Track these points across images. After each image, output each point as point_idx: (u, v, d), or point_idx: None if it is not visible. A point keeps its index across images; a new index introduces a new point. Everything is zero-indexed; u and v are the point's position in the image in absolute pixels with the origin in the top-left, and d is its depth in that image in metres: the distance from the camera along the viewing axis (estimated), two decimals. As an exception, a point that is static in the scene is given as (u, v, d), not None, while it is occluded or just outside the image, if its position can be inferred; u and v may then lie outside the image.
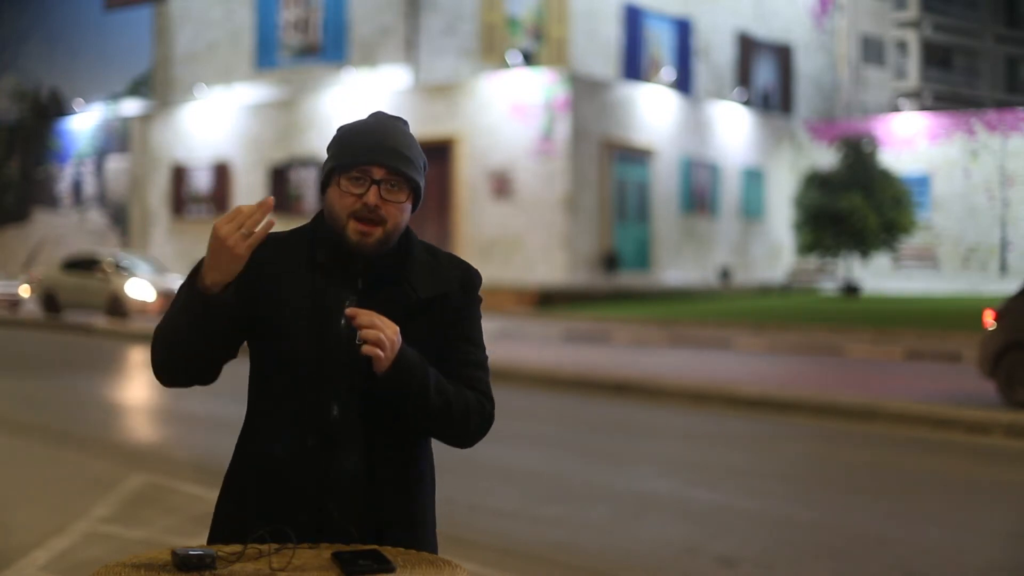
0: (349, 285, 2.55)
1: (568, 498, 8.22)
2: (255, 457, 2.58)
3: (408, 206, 2.57)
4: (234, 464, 2.65)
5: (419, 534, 2.62)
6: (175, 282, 25.18)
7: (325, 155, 2.65)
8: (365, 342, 2.43)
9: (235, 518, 2.59)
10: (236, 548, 2.31)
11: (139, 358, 18.30)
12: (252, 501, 2.57)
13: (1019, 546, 7.15)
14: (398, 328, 2.45)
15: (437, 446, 2.75)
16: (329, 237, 2.56)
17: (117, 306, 25.42)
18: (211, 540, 2.62)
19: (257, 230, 2.40)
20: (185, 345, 2.49)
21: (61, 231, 41.34)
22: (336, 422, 2.52)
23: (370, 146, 2.53)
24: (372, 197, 2.50)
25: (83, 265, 26.97)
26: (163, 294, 24.96)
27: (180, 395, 13.17)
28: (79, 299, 26.42)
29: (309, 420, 2.52)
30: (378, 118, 2.62)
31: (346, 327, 2.51)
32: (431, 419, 2.54)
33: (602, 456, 10.13)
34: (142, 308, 25.14)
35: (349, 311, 2.46)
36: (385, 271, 2.57)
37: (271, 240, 2.58)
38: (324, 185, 2.59)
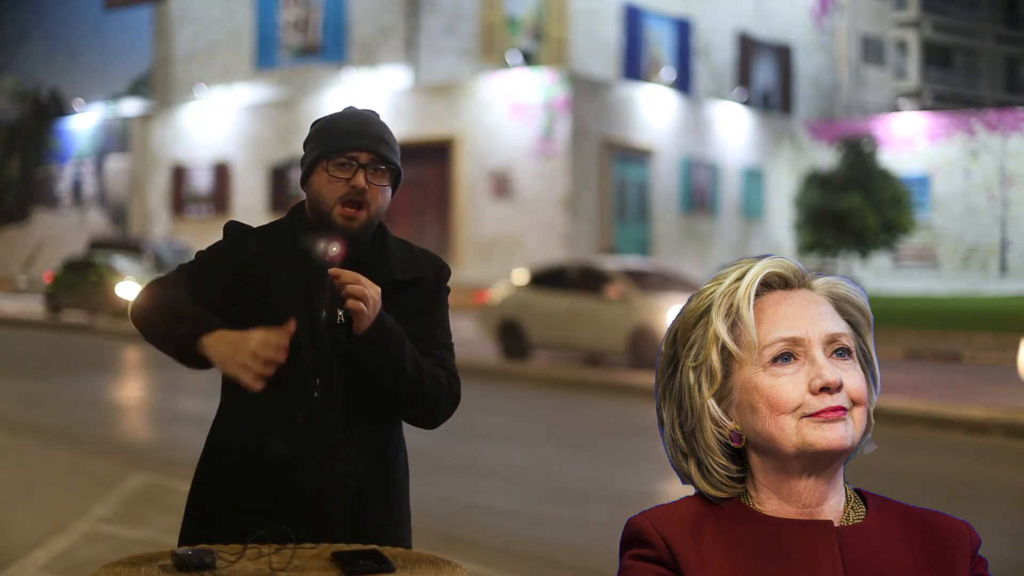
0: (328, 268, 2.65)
1: (568, 498, 8.22)
2: (240, 436, 2.67)
3: (389, 192, 2.69)
4: (215, 446, 2.72)
5: (396, 516, 2.72)
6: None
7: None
8: (350, 297, 2.54)
9: (216, 500, 2.67)
10: (236, 548, 2.31)
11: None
12: (238, 479, 2.64)
13: (1019, 546, 7.15)
14: (379, 289, 2.57)
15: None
16: (312, 224, 2.67)
17: (640, 343, 15.54)
18: (189, 527, 2.70)
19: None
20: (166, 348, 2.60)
21: (61, 231, 41.34)
22: (320, 399, 2.62)
23: (355, 133, 2.65)
24: (360, 180, 2.62)
25: (570, 280, 16.98)
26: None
27: (180, 395, 13.17)
28: (559, 334, 16.67)
29: (298, 398, 2.61)
30: (354, 110, 2.75)
31: (329, 299, 2.60)
32: (405, 389, 2.62)
33: (602, 456, 10.13)
34: None
35: (332, 271, 2.56)
36: (362, 256, 2.68)
37: (257, 233, 2.71)
38: (306, 176, 2.69)
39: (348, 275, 2.54)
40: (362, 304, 2.52)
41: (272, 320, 2.59)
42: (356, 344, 2.57)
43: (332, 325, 2.61)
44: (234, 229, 2.75)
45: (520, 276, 17.73)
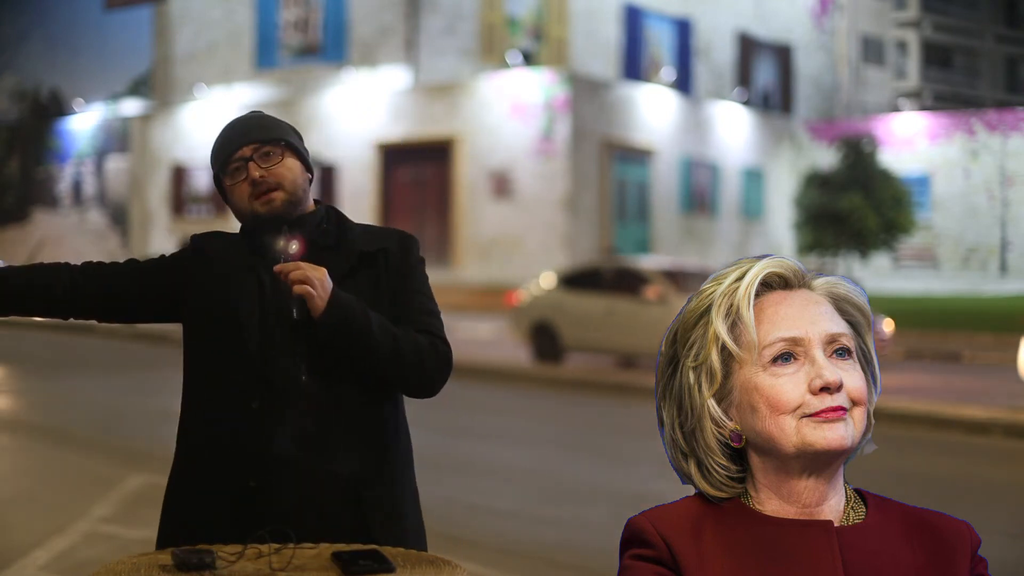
0: (283, 258, 2.69)
1: (568, 498, 8.22)
2: (207, 433, 2.72)
3: (293, 163, 2.72)
4: (186, 443, 2.78)
5: (397, 493, 2.72)
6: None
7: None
8: (295, 284, 2.56)
9: (192, 493, 2.70)
10: (236, 548, 2.31)
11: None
12: (211, 472, 2.67)
13: (1019, 546, 7.15)
14: (325, 270, 2.59)
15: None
16: (258, 228, 2.72)
17: None
18: (168, 522, 2.73)
19: None
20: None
21: (61, 231, 41.33)
22: (287, 388, 2.63)
23: (235, 134, 2.72)
24: (254, 171, 2.67)
25: (605, 280, 16.64)
26: None
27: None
28: (594, 336, 16.18)
29: (258, 389, 2.64)
30: (228, 122, 2.81)
31: (288, 298, 2.63)
32: (382, 358, 2.62)
33: (602, 456, 10.13)
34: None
35: (276, 268, 2.60)
36: (320, 239, 2.73)
37: (219, 239, 2.79)
38: (225, 199, 2.77)
39: (289, 266, 2.59)
40: (307, 287, 2.55)
41: (235, 325, 2.66)
42: (320, 329, 2.59)
43: (298, 322, 2.62)
44: (196, 240, 2.85)
45: (548, 277, 17.36)
